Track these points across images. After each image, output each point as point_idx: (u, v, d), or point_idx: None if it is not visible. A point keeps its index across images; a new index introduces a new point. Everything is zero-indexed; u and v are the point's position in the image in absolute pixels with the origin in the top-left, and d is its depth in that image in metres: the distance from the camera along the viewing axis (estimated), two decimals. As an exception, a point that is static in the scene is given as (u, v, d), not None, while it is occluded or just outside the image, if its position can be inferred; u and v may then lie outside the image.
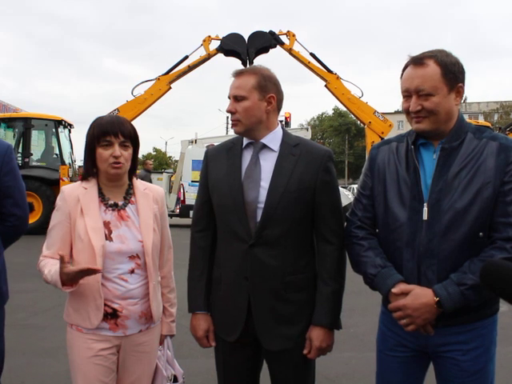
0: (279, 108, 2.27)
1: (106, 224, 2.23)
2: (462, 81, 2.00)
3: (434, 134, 2.02)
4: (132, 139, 2.26)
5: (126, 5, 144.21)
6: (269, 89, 2.19)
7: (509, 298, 1.78)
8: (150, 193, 2.37)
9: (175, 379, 2.44)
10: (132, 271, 2.23)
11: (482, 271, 1.76)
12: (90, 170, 2.28)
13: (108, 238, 2.21)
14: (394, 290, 1.97)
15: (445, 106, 1.96)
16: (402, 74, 2.04)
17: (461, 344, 1.97)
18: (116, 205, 2.28)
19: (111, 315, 2.21)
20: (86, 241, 2.18)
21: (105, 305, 2.19)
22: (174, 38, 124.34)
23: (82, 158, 2.34)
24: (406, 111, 2.02)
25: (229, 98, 2.22)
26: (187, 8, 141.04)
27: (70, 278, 2.07)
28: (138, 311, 2.24)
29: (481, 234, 1.92)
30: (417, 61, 1.97)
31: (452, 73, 1.96)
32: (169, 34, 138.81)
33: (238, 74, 2.22)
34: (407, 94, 1.99)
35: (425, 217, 1.97)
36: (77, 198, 2.24)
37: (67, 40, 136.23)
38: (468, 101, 62.52)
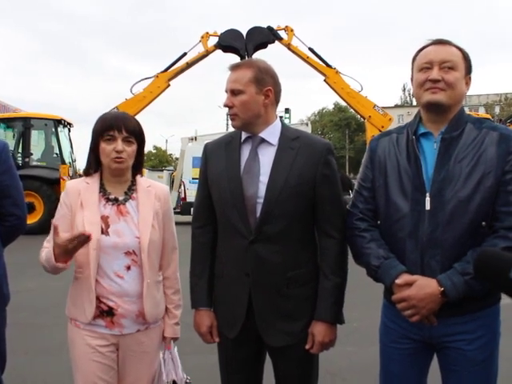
0: (277, 101, 2.24)
1: (104, 218, 2.22)
2: (471, 73, 2.07)
3: (443, 110, 2.01)
4: (136, 136, 2.25)
5: (133, 1, 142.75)
6: (266, 82, 2.16)
7: (502, 288, 1.77)
8: (153, 190, 2.35)
9: None
10: (128, 268, 2.21)
11: (475, 263, 1.75)
12: (92, 164, 2.29)
13: (105, 232, 2.20)
14: (397, 281, 1.96)
15: (461, 87, 2.01)
16: (416, 54, 2.07)
17: (465, 334, 1.97)
18: (116, 199, 2.27)
19: (107, 313, 2.20)
20: None
21: (101, 302, 2.19)
22: (183, 35, 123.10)
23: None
24: (422, 83, 2.01)
25: (226, 91, 2.20)
26: (197, 5, 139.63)
27: (63, 251, 2.06)
28: (134, 310, 2.22)
29: (483, 223, 1.92)
30: (441, 41, 2.04)
31: (468, 61, 2.04)
32: (177, 32, 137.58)
33: (234, 68, 2.19)
34: (428, 66, 2.01)
35: (427, 207, 1.96)
36: (78, 191, 2.26)
37: (71, 37, 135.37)
38: (468, 93, 62.21)
